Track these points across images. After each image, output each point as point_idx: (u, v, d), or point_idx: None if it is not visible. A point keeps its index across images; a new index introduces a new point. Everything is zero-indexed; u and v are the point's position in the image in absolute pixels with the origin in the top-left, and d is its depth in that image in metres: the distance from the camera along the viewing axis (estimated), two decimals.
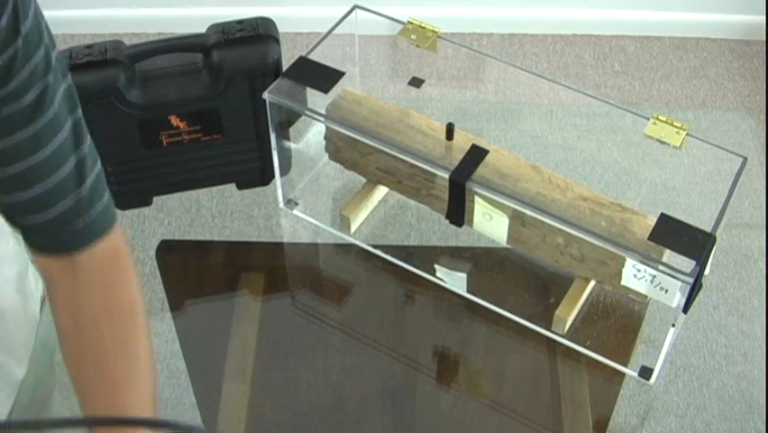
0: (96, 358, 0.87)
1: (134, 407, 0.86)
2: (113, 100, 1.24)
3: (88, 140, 0.84)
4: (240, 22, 1.29)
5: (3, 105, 0.77)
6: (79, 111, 0.85)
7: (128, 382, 0.87)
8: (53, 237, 0.85)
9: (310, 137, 1.39)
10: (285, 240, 1.39)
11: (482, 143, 1.20)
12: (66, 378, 1.17)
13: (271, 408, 1.14)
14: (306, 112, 1.24)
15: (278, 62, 1.28)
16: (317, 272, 1.35)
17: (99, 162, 0.86)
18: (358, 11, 1.32)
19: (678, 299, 1.08)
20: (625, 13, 2.88)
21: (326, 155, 1.35)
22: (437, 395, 1.19)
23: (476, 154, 1.17)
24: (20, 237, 0.91)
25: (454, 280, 1.27)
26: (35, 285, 1.24)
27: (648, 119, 1.20)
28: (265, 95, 1.23)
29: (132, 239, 1.36)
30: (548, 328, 1.21)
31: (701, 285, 1.08)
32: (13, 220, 0.85)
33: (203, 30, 1.30)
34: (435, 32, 1.31)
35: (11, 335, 1.15)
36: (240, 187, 1.40)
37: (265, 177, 1.39)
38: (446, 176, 1.16)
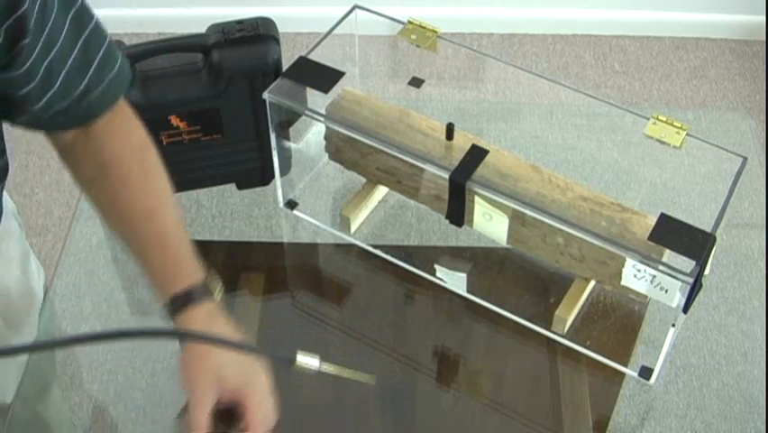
0: (128, 192, 0.99)
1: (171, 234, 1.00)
2: None
3: (92, 21, 0.92)
4: (240, 22, 1.29)
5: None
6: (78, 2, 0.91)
7: (162, 209, 1.01)
8: (74, 115, 0.96)
9: (310, 137, 1.39)
10: (285, 240, 1.39)
11: (482, 143, 1.19)
12: (66, 377, 1.18)
13: None
14: (306, 112, 1.24)
15: (278, 62, 1.28)
16: (317, 272, 1.35)
17: (106, 35, 0.95)
18: (358, 11, 1.32)
19: (678, 299, 1.08)
20: (625, 13, 2.88)
21: (326, 155, 1.35)
22: (437, 395, 1.19)
23: (476, 154, 1.17)
24: (20, 220, 1.02)
25: (454, 280, 1.27)
26: (37, 270, 1.26)
27: (648, 119, 1.20)
28: (265, 95, 1.23)
29: None
30: (548, 328, 1.21)
31: (701, 285, 1.08)
32: (37, 122, 0.95)
33: (203, 30, 1.30)
34: (435, 32, 1.31)
35: (16, 313, 1.18)
36: (240, 187, 1.40)
37: (265, 177, 1.39)
38: (446, 176, 1.16)
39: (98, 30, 0.94)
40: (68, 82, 0.92)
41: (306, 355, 0.89)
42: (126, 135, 1.02)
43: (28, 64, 0.87)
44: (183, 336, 0.96)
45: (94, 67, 0.93)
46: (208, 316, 0.96)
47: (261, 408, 0.94)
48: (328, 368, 0.91)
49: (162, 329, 0.93)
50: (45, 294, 1.27)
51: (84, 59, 0.92)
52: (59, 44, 0.89)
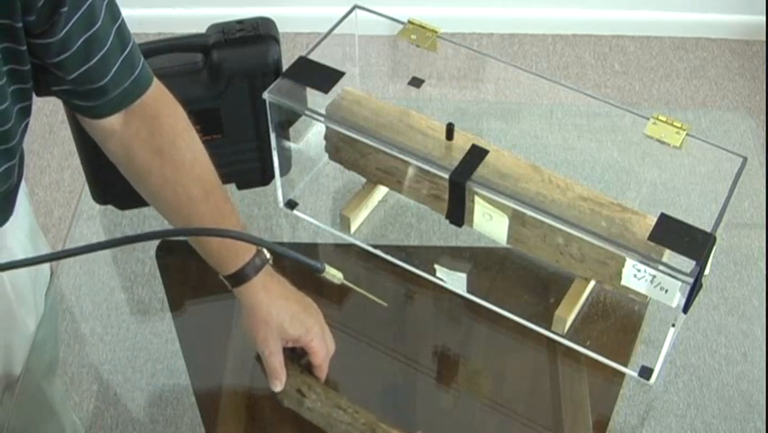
0: (184, 177, 1.06)
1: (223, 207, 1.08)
2: None
3: (121, 15, 0.99)
4: (240, 22, 1.29)
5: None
6: None
7: (215, 190, 1.08)
8: (113, 97, 1.02)
9: (310, 137, 1.39)
10: (285, 240, 1.39)
11: (482, 143, 1.19)
12: (66, 377, 1.18)
13: (271, 408, 1.14)
14: (306, 112, 1.24)
15: (278, 62, 1.28)
16: (318, 272, 1.35)
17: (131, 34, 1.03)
18: (358, 11, 1.32)
19: (678, 299, 1.08)
20: (625, 13, 2.88)
21: (326, 155, 1.35)
22: (437, 395, 1.19)
23: (476, 154, 1.17)
24: (26, 189, 1.07)
25: (454, 281, 1.27)
26: (44, 246, 1.27)
27: (648, 119, 1.20)
28: (265, 95, 1.23)
29: None
30: (548, 328, 1.21)
31: (701, 285, 1.08)
32: (76, 103, 1.02)
33: (203, 30, 1.30)
34: (435, 32, 1.31)
35: (25, 288, 1.20)
36: (240, 187, 1.40)
37: (265, 177, 1.39)
38: (446, 176, 1.16)
39: (125, 24, 1.01)
40: (105, 62, 0.98)
41: (333, 269, 1.05)
42: (174, 119, 1.07)
43: (64, 32, 0.92)
44: (252, 242, 1.06)
45: (126, 53, 1.00)
46: (264, 283, 1.09)
47: (320, 346, 1.11)
48: (348, 283, 1.08)
49: (231, 232, 1.01)
50: (52, 274, 1.29)
51: (120, 45, 0.99)
52: (98, 24, 0.95)
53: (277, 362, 1.09)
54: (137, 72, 1.02)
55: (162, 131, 1.06)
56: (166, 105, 1.08)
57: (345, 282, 1.08)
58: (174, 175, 1.06)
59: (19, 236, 1.16)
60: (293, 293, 1.12)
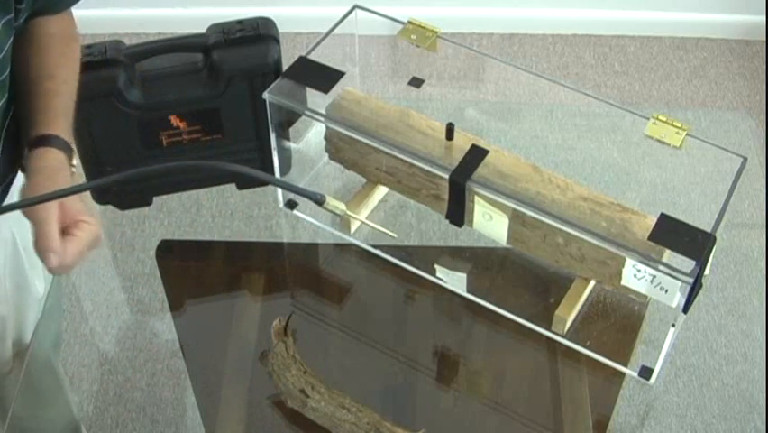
0: (41, 58, 1.10)
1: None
2: (113, 100, 1.25)
3: None
4: (240, 22, 1.29)
5: None
6: None
7: (64, 82, 1.11)
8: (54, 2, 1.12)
9: (310, 137, 1.39)
10: (285, 240, 1.39)
11: (482, 143, 1.20)
12: (66, 379, 1.18)
13: (271, 408, 1.14)
14: (306, 112, 1.24)
15: (278, 62, 1.28)
16: (317, 272, 1.35)
17: None
18: (358, 11, 1.32)
19: (678, 299, 1.08)
20: (625, 13, 2.88)
21: (326, 155, 1.35)
22: (437, 395, 1.19)
23: (476, 154, 1.17)
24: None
25: (454, 281, 1.27)
26: None
27: (648, 119, 1.20)
28: (265, 95, 1.23)
29: (132, 239, 1.36)
30: (548, 328, 1.21)
31: (701, 285, 1.08)
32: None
33: (203, 30, 1.30)
34: (435, 32, 1.31)
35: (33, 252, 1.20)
36: (240, 187, 1.40)
37: None
38: (446, 176, 1.16)
39: None
40: None
41: (334, 200, 1.01)
42: (67, 29, 1.15)
43: None
44: (223, 169, 1.07)
45: None
46: (60, 160, 1.04)
47: (93, 228, 1.00)
48: (351, 214, 1.04)
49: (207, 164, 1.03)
50: None
51: None
52: None
53: (52, 228, 0.98)
54: None
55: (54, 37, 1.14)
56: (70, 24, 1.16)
57: (348, 213, 1.04)
58: (35, 54, 1.10)
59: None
60: None
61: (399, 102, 1.31)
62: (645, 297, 1.17)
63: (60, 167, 1.04)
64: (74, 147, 1.08)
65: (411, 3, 2.14)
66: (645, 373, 1.17)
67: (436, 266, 1.29)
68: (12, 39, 1.04)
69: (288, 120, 1.31)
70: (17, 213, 1.17)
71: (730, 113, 2.43)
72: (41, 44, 1.12)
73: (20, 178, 1.18)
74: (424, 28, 1.31)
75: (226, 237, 1.36)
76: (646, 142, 1.19)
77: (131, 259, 1.34)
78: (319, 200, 0.99)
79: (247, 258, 1.37)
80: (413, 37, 1.31)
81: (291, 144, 1.36)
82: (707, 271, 1.09)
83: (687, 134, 1.18)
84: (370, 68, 1.53)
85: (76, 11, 1.15)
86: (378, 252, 1.31)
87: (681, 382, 1.19)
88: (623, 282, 1.13)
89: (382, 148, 1.21)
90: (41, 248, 0.96)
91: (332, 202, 1.01)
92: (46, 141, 1.05)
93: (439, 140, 1.21)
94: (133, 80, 1.26)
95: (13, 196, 1.16)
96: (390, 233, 1.10)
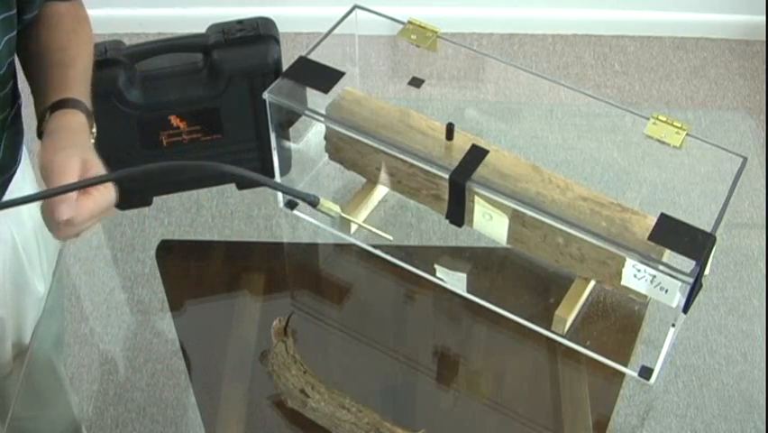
0: (51, 32, 1.10)
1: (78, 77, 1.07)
2: (113, 100, 1.25)
3: None
4: (240, 22, 1.29)
5: None
6: None
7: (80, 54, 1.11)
8: None
9: (310, 137, 1.39)
10: (285, 240, 1.39)
11: (482, 143, 1.20)
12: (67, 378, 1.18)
13: (271, 408, 1.14)
14: (306, 112, 1.24)
15: (278, 62, 1.28)
16: (317, 272, 1.35)
17: None
18: (358, 11, 1.32)
19: (678, 299, 1.08)
20: (625, 13, 2.88)
21: (326, 155, 1.35)
22: (437, 395, 1.19)
23: (476, 154, 1.17)
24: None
25: (454, 281, 1.27)
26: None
27: (648, 119, 1.20)
28: (265, 95, 1.23)
29: (132, 239, 1.36)
30: (548, 328, 1.21)
31: (701, 285, 1.08)
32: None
33: (203, 30, 1.30)
34: (435, 32, 1.31)
35: (33, 253, 1.24)
36: (240, 187, 1.40)
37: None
38: (446, 176, 1.16)
39: None
40: None
41: (329, 202, 1.00)
42: (77, 12, 1.16)
43: None
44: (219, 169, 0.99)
45: None
46: (80, 125, 1.00)
47: (110, 193, 0.95)
48: (347, 216, 1.01)
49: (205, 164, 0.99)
50: (61, 246, 1.31)
51: None
52: None
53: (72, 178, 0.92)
54: None
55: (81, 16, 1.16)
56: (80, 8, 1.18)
57: (344, 215, 1.02)
58: (44, 31, 1.10)
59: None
60: None
61: (399, 102, 1.31)
62: (645, 297, 1.17)
63: (81, 129, 0.99)
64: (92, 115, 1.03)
65: (411, 3, 2.14)
66: (645, 373, 1.17)
67: (436, 266, 1.29)
68: (12, 35, 1.03)
69: (287, 120, 1.31)
70: (17, 213, 1.17)
71: (730, 113, 2.43)
72: (52, 22, 1.11)
73: (19, 174, 1.18)
74: (424, 28, 1.32)
75: (226, 237, 1.36)
76: (646, 142, 1.19)
77: (131, 259, 1.34)
78: (313, 202, 0.99)
79: (247, 258, 1.37)
80: (413, 37, 1.31)
81: (291, 144, 1.36)
82: (707, 271, 1.09)
83: (687, 134, 1.18)
84: (370, 68, 1.54)
85: None
86: (378, 252, 1.31)
87: (680, 382, 1.19)
88: (623, 282, 1.13)
89: (382, 148, 1.21)
90: (54, 200, 0.89)
91: (326, 204, 1.00)
92: (65, 103, 1.00)
93: (439, 140, 1.21)
94: (133, 80, 1.26)
95: (14, 193, 1.16)
96: (386, 235, 1.09)
